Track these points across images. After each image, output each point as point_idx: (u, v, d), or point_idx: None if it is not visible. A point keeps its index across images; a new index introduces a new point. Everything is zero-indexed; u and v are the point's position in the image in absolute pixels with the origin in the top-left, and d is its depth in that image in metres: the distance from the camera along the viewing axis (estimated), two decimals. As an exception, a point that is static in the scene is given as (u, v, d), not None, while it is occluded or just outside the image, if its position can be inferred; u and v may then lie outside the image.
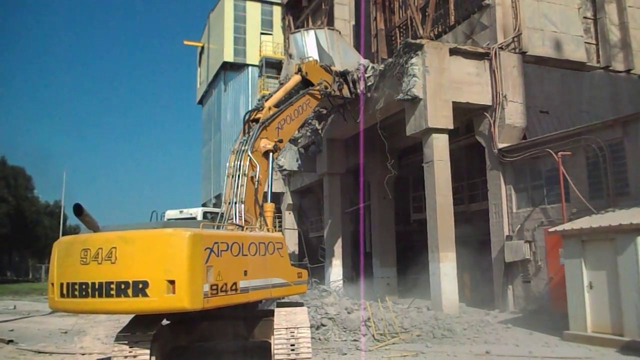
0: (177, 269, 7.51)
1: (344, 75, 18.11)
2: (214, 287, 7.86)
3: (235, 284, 8.34)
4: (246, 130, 12.36)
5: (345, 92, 18.21)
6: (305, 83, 15.88)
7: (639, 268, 10.34)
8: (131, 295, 7.55)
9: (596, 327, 11.40)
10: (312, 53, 19.22)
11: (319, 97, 15.97)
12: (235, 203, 10.87)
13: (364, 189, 25.08)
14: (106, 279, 7.71)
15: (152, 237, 7.88)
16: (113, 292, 7.64)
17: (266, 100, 13.76)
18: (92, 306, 7.96)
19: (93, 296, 7.79)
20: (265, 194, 11.67)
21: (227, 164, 11.66)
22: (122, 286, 7.59)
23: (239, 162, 11.36)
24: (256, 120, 12.55)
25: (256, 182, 11.22)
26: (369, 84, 19.10)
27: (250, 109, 13.52)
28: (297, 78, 15.71)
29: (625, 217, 11.26)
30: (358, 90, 18.70)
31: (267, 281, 9.31)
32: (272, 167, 12.15)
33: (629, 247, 10.59)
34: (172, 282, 7.45)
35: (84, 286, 7.88)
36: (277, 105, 13.41)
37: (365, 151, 21.19)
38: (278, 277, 9.69)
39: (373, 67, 19.58)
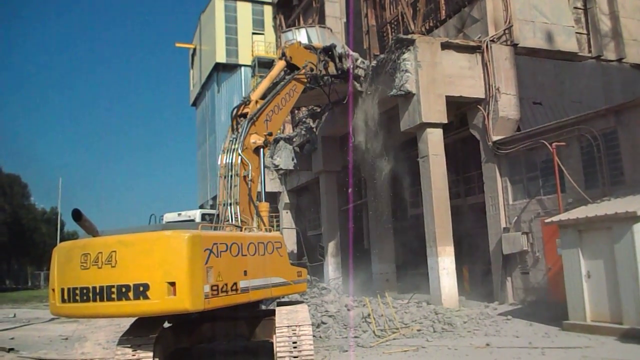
0: (177, 271, 7.52)
1: (329, 50, 17.42)
2: (215, 288, 7.87)
3: (235, 284, 8.35)
4: (234, 127, 12.02)
5: (332, 69, 17.51)
6: (291, 68, 15.22)
7: (636, 256, 10.40)
8: (132, 298, 7.58)
9: (595, 316, 11.47)
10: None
11: (306, 80, 15.37)
12: (230, 204, 10.80)
13: (362, 185, 25.15)
14: (107, 283, 7.73)
15: (151, 239, 7.88)
16: (114, 296, 7.66)
17: (252, 93, 13.18)
18: (93, 310, 7.97)
19: (94, 300, 7.81)
20: (259, 194, 11.62)
21: (218, 164, 11.50)
22: (123, 289, 7.61)
23: (230, 162, 11.19)
24: (244, 115, 12.18)
25: (249, 182, 11.08)
26: (359, 74, 18.96)
27: (236, 104, 12.84)
28: (281, 64, 15.04)
29: (621, 205, 11.31)
30: (345, 66, 18.03)
31: (267, 281, 9.32)
32: (264, 163, 11.98)
33: (625, 235, 10.64)
34: (172, 284, 7.46)
35: (85, 291, 7.90)
36: (263, 97, 12.93)
37: (359, 148, 21.22)
38: (278, 276, 9.70)
39: (363, 62, 19.51)
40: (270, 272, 9.47)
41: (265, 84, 13.73)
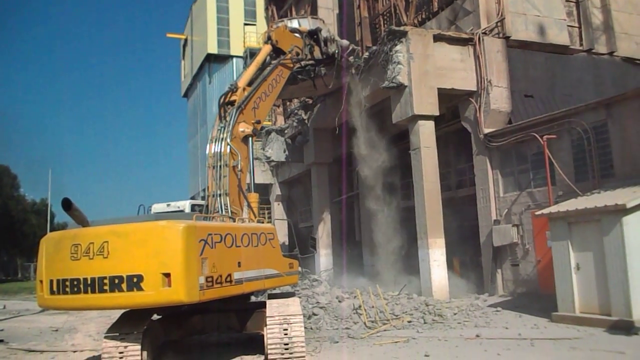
0: (172, 262, 7.44)
1: (314, 33, 17.08)
2: (209, 279, 7.81)
3: (229, 275, 8.31)
4: (222, 115, 11.74)
5: (317, 53, 17.17)
6: (277, 52, 14.80)
7: (625, 248, 10.49)
8: (125, 290, 7.47)
9: (584, 308, 11.56)
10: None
11: (292, 65, 15.04)
12: (220, 195, 10.68)
13: (353, 177, 25.15)
14: (99, 274, 7.61)
15: (145, 230, 7.77)
16: (107, 287, 7.55)
17: (239, 80, 12.74)
18: (84, 302, 7.84)
19: (85, 292, 7.69)
20: (248, 184, 11.52)
21: (207, 154, 11.28)
22: (116, 281, 7.50)
23: (218, 151, 11.00)
24: (231, 103, 11.90)
25: (238, 172, 10.95)
26: (353, 62, 18.90)
27: (224, 92, 12.37)
28: (267, 48, 14.63)
29: (611, 198, 11.39)
30: (330, 50, 17.68)
31: (260, 272, 9.29)
32: (254, 154, 11.83)
33: (614, 227, 10.72)
34: (167, 275, 7.38)
35: (75, 282, 7.77)
36: (250, 84, 12.63)
37: (351, 140, 21.22)
38: (271, 268, 9.68)
39: (354, 49, 19.37)
40: (263, 263, 9.44)
41: (251, 69, 13.40)
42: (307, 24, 18.77)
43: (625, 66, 20.36)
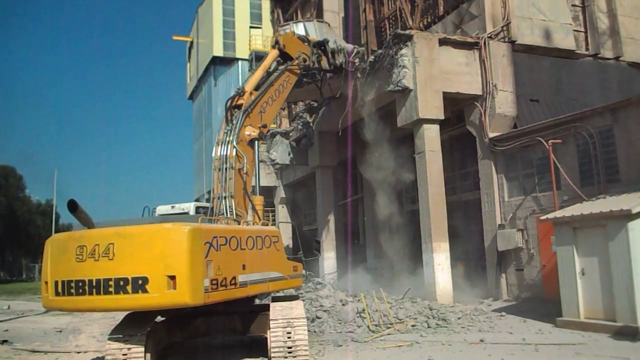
0: (177, 264, 7.47)
1: (322, 45, 17.21)
2: (214, 282, 7.84)
3: (234, 278, 8.33)
4: (229, 118, 11.85)
5: (324, 64, 17.32)
6: (284, 57, 15.02)
7: (630, 253, 10.44)
8: (130, 292, 7.50)
9: (589, 313, 11.51)
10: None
11: (298, 71, 15.17)
12: (225, 197, 10.72)
13: (358, 180, 25.14)
14: (104, 276, 7.65)
15: (150, 232, 7.80)
16: (112, 289, 7.58)
17: (246, 84, 12.99)
18: (89, 304, 7.88)
19: (90, 294, 7.72)
20: (253, 187, 11.57)
21: (213, 156, 11.38)
22: (121, 282, 7.53)
23: (224, 154, 11.08)
24: (238, 107, 12.06)
25: (244, 175, 11.02)
26: (357, 64, 18.94)
27: (230, 95, 12.54)
28: (274, 53, 14.86)
29: (616, 203, 11.34)
30: (337, 62, 17.87)
31: (264, 275, 9.30)
32: (259, 157, 11.91)
33: (620, 233, 10.68)
34: (172, 278, 7.41)
35: (80, 284, 7.80)
36: (257, 88, 12.80)
37: (356, 143, 21.23)
38: (275, 270, 9.69)
39: (358, 51, 19.43)
40: (268, 266, 9.45)
41: (258, 73, 13.55)
42: (312, 28, 18.82)
43: (631, 71, 20.29)
